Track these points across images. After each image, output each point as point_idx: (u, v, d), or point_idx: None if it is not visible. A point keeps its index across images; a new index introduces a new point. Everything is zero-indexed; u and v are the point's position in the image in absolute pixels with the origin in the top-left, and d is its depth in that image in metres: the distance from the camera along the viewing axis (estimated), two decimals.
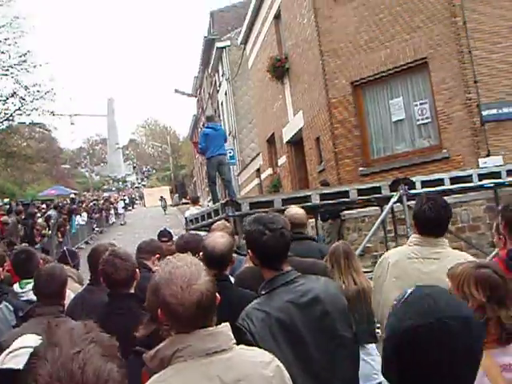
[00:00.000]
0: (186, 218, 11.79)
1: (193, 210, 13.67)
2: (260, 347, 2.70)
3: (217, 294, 2.20)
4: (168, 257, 2.33)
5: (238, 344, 2.25)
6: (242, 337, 2.76)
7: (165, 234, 6.61)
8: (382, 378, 1.79)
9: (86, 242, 26.96)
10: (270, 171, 22.78)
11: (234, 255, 3.75)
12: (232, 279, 3.87)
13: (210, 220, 8.79)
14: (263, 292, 2.98)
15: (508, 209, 3.20)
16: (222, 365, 2.09)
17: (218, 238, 3.65)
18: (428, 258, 3.48)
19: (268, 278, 3.00)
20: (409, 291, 1.66)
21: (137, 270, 3.72)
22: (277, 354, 2.75)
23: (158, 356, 2.14)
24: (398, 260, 3.58)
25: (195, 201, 16.71)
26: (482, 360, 2.42)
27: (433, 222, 3.52)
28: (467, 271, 2.67)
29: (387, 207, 7.71)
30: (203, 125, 45.86)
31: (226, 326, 2.19)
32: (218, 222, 5.51)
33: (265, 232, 2.96)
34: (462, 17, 12.05)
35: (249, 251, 3.11)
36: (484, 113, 11.82)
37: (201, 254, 3.68)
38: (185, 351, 2.08)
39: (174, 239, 6.49)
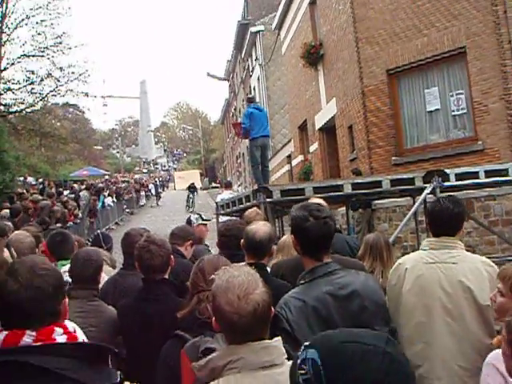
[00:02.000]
0: (216, 203, 11.84)
1: (224, 195, 13.72)
2: (296, 335, 2.77)
3: (272, 307, 2.19)
4: (226, 267, 2.33)
5: (274, 331, 2.26)
6: (279, 324, 2.79)
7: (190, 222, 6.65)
8: None
9: (117, 223, 27.29)
10: (301, 158, 22.70)
11: (274, 247, 3.72)
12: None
13: (241, 206, 8.82)
14: (302, 281, 2.99)
15: None
16: (274, 380, 2.05)
17: (261, 226, 3.67)
18: (446, 262, 3.44)
19: (308, 268, 3.01)
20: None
21: (171, 256, 3.76)
22: None
23: (208, 366, 2.13)
24: (415, 266, 3.52)
25: (228, 185, 16.74)
26: None
27: (447, 221, 3.52)
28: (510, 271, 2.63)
29: (420, 198, 7.63)
30: (235, 109, 45.85)
31: (279, 341, 2.18)
32: (251, 210, 5.52)
33: (308, 218, 2.95)
34: (503, 5, 11.79)
35: (292, 237, 3.11)
36: None
37: (242, 240, 3.71)
38: (238, 363, 2.07)
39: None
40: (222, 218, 10.43)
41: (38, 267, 1.97)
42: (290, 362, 2.08)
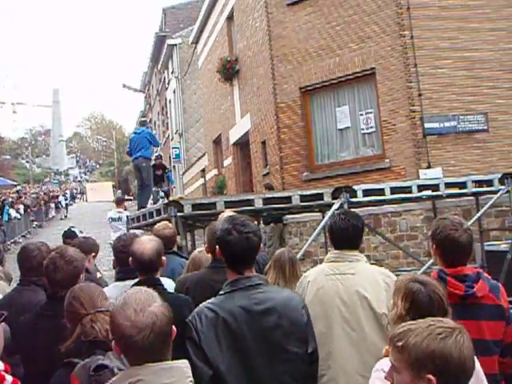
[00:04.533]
0: (127, 217, 11.63)
1: (112, 213, 13.52)
2: (202, 345, 2.78)
3: (173, 327, 2.13)
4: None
5: (183, 339, 2.21)
6: (188, 333, 2.80)
7: (69, 235, 6.54)
8: None
9: (24, 236, 26.25)
10: (215, 172, 22.74)
11: (164, 258, 3.71)
12: (164, 281, 3.85)
13: (151, 220, 8.71)
14: (221, 292, 2.99)
15: (437, 232, 3.29)
16: None
17: (146, 243, 3.65)
18: (344, 273, 3.58)
19: (229, 280, 3.01)
20: None
21: (81, 272, 3.65)
22: (219, 355, 2.79)
23: None
24: (316, 278, 3.67)
25: (119, 202, 14.48)
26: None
27: (346, 235, 3.68)
28: (401, 282, 2.74)
29: (328, 214, 7.78)
30: (150, 121, 45.42)
31: (183, 363, 2.12)
32: (160, 223, 5.47)
33: (231, 232, 2.96)
34: (409, 31, 12.35)
35: (217, 247, 3.13)
36: (426, 125, 12.14)
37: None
38: None
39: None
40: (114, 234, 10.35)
41: None
42: None
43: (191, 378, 2.09)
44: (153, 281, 3.49)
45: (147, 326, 2.00)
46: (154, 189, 14.50)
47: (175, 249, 5.47)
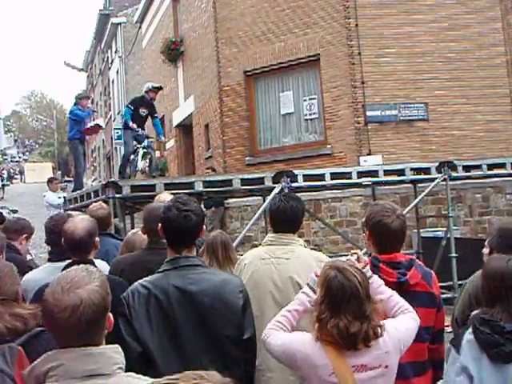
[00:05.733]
0: (64, 197, 11.35)
1: (49, 197, 12.50)
2: (133, 321, 2.78)
3: (110, 314, 2.02)
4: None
5: (114, 313, 2.12)
6: (119, 309, 2.77)
7: None
8: None
9: None
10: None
11: (97, 239, 3.62)
12: (98, 263, 3.74)
13: (89, 201, 8.53)
14: (158, 271, 2.98)
15: (370, 218, 3.28)
16: None
17: (78, 223, 3.55)
18: (279, 257, 3.57)
19: (167, 259, 3.00)
20: None
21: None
22: (149, 332, 2.80)
23: (33, 374, 1.91)
24: (252, 261, 3.66)
25: (50, 181, 13.34)
26: (332, 359, 2.51)
27: (284, 217, 3.65)
28: (324, 269, 2.73)
29: (269, 198, 7.79)
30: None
31: (112, 348, 1.98)
32: (95, 204, 5.34)
33: (171, 209, 2.96)
34: (355, 19, 12.44)
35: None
36: (368, 113, 12.30)
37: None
38: (58, 370, 1.86)
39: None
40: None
41: None
42: (124, 374, 1.96)
43: (120, 365, 1.96)
44: (86, 262, 3.34)
45: (68, 306, 1.88)
46: (132, 143, 11.09)
47: (113, 231, 5.35)
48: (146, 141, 11.04)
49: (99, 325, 1.97)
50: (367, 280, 2.69)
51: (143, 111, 11.03)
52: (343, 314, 2.55)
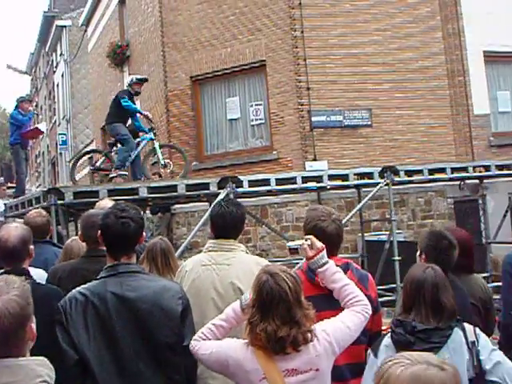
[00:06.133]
0: (5, 204, 11.03)
1: None
2: (69, 329, 2.75)
3: (32, 325, 1.96)
4: None
5: (52, 322, 2.07)
6: (57, 316, 2.77)
7: None
8: None
9: None
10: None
11: (31, 247, 3.53)
12: (37, 271, 3.68)
13: (31, 208, 8.34)
14: (97, 278, 2.96)
15: (307, 222, 3.34)
16: None
17: (12, 231, 3.47)
18: (221, 263, 3.57)
19: (106, 265, 2.99)
20: None
21: None
22: (86, 340, 2.77)
23: None
24: (193, 268, 3.65)
25: None
26: (263, 364, 2.53)
27: (224, 223, 3.65)
28: (258, 273, 2.76)
29: (213, 204, 7.79)
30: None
31: (36, 361, 1.91)
32: (33, 211, 5.23)
33: (109, 216, 2.96)
34: (300, 26, 12.58)
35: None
36: (313, 119, 12.43)
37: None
38: None
39: None
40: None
41: None
42: None
43: (44, 378, 1.89)
44: (19, 271, 3.27)
45: None
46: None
47: (55, 238, 5.24)
48: (150, 133, 10.69)
49: (17, 336, 1.90)
50: (299, 285, 2.70)
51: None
52: (272, 318, 2.57)
